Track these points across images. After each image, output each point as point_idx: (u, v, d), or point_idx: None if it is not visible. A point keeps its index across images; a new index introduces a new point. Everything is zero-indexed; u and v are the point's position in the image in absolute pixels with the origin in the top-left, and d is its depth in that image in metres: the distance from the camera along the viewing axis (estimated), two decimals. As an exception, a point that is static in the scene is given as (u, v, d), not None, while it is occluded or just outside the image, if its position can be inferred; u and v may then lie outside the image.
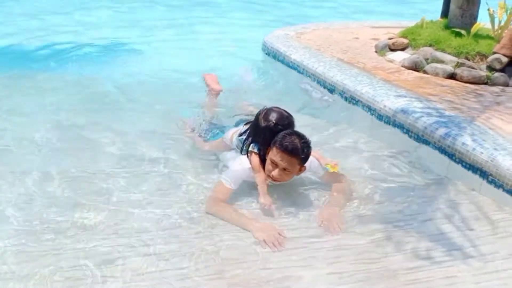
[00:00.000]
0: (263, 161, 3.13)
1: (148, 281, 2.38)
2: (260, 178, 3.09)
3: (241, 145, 3.31)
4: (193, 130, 4.01)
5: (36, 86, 5.09)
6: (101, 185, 3.24)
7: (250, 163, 3.14)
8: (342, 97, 4.77)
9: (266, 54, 6.25)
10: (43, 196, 3.08)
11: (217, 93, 4.83)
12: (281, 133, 3.01)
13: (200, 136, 3.89)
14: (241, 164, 3.16)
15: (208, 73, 5.21)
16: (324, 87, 5.02)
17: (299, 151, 2.96)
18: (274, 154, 2.99)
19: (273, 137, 3.04)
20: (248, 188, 3.20)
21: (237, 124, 3.66)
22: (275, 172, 3.01)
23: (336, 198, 3.19)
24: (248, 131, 3.30)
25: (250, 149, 3.21)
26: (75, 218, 2.86)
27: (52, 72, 5.63)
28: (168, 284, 2.37)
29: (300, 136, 3.02)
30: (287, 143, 2.94)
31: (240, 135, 3.36)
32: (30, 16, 8.43)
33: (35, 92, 4.91)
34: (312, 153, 3.23)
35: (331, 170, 3.24)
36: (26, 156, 3.59)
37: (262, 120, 3.15)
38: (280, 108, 3.24)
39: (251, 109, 4.12)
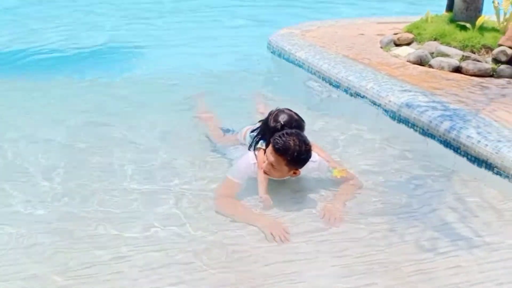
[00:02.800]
0: None
1: (156, 276, 2.43)
2: (261, 174, 3.13)
3: (251, 140, 3.37)
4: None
5: (46, 89, 5.16)
6: (109, 180, 3.32)
7: (256, 159, 3.19)
8: (347, 93, 4.79)
9: (272, 52, 6.29)
10: (52, 192, 3.17)
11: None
12: (284, 131, 3.03)
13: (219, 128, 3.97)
14: (247, 160, 3.20)
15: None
16: (330, 84, 5.05)
17: (288, 152, 2.91)
18: (268, 147, 3.03)
19: None
20: (254, 185, 3.24)
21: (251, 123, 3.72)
22: (264, 164, 3.05)
23: (341, 194, 3.22)
24: (259, 129, 3.36)
25: (258, 145, 3.26)
26: (84, 214, 2.93)
27: (62, 75, 5.68)
28: (176, 277, 2.42)
29: (300, 140, 2.95)
30: (279, 142, 2.93)
31: (252, 131, 3.43)
32: (39, 20, 8.53)
33: (45, 95, 4.98)
34: (322, 153, 3.27)
35: (335, 174, 3.24)
36: (43, 155, 3.66)
37: (272, 121, 3.19)
38: (292, 111, 3.25)
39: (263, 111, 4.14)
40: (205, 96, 4.89)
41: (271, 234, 2.77)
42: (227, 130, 3.95)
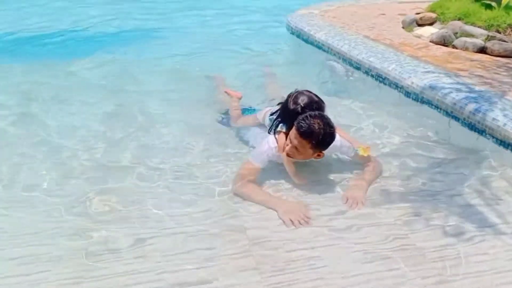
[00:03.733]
0: None
1: (178, 261, 2.42)
2: (286, 158, 3.09)
3: (271, 124, 3.33)
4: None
5: (60, 75, 5.18)
6: (127, 170, 3.31)
7: (277, 143, 3.14)
8: (368, 75, 4.70)
9: (291, 33, 6.20)
10: (68, 178, 3.19)
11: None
12: (307, 113, 2.98)
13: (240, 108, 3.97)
14: (268, 143, 3.16)
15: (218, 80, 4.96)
16: (350, 65, 4.96)
17: (313, 135, 2.87)
18: (292, 130, 2.97)
19: None
20: (275, 168, 3.21)
21: (271, 104, 3.68)
22: (287, 147, 3.00)
23: (364, 179, 3.17)
24: (278, 112, 3.30)
25: (278, 129, 3.21)
26: (104, 202, 2.93)
27: (75, 60, 5.70)
28: (196, 262, 2.41)
29: (324, 122, 2.90)
30: (304, 125, 2.88)
31: (272, 114, 3.37)
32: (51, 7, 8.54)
33: (58, 82, 4.99)
34: (344, 134, 3.21)
35: (361, 153, 3.18)
36: (58, 141, 3.71)
37: (291, 103, 3.13)
38: (311, 92, 3.19)
39: (280, 93, 4.10)
40: (224, 80, 4.89)
41: (290, 220, 2.74)
42: (246, 110, 3.91)
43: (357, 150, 3.20)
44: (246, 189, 3.01)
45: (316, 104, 3.12)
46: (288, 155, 3.04)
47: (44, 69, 5.27)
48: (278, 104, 3.39)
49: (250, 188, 3.01)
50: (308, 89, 3.24)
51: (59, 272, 2.35)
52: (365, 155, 3.18)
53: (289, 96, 3.21)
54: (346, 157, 3.32)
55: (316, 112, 2.97)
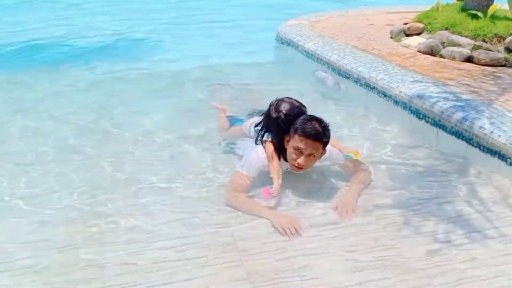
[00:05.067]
0: (278, 149, 3.15)
1: (168, 270, 2.43)
2: (273, 167, 3.11)
3: (256, 135, 3.34)
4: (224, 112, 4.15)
5: (58, 83, 5.21)
6: (118, 174, 3.35)
7: (265, 152, 3.16)
8: (357, 84, 4.75)
9: (281, 43, 6.25)
10: (63, 186, 3.20)
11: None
12: (300, 119, 3.01)
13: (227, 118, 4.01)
14: (257, 154, 3.17)
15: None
16: (339, 75, 5.00)
17: (322, 135, 2.97)
18: (297, 141, 2.98)
19: (285, 126, 3.06)
20: (265, 179, 3.22)
21: (252, 115, 3.69)
22: (301, 160, 3.01)
23: (354, 187, 3.19)
24: (262, 122, 3.32)
25: (264, 138, 3.23)
26: (95, 210, 2.94)
27: (72, 69, 5.73)
28: (187, 272, 2.42)
29: (319, 120, 3.02)
30: (309, 129, 2.94)
31: (256, 125, 3.39)
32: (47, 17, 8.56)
33: (59, 89, 5.04)
34: (331, 142, 3.24)
35: (354, 157, 3.23)
36: (60, 141, 3.79)
37: (273, 111, 3.16)
38: (291, 98, 3.24)
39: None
40: (223, 88, 4.97)
41: (282, 228, 2.76)
42: (234, 119, 3.93)
43: (348, 155, 3.24)
44: (238, 200, 3.02)
45: (297, 109, 3.15)
46: (299, 167, 3.04)
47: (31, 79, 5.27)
48: (261, 114, 3.41)
49: (241, 199, 3.03)
50: (288, 96, 3.28)
51: (46, 282, 2.34)
52: (358, 158, 3.23)
53: (270, 105, 3.24)
54: (336, 166, 3.35)
55: (306, 116, 3.05)
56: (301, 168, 3.06)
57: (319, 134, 2.96)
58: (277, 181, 3.03)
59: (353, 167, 3.31)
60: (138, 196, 3.11)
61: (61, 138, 3.89)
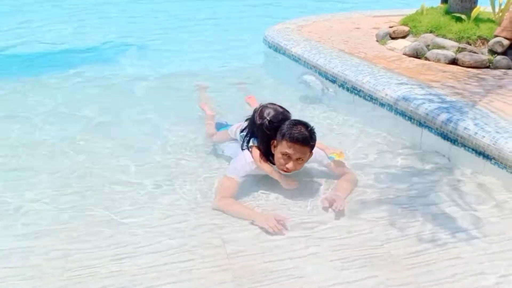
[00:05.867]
0: (264, 154, 3.17)
1: (155, 274, 2.43)
2: (267, 169, 3.15)
3: (242, 141, 3.37)
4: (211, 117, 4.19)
5: (51, 87, 5.24)
6: (108, 176, 3.36)
7: (252, 157, 3.18)
8: (344, 87, 4.78)
9: (268, 47, 6.28)
10: (54, 187, 3.21)
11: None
12: (286, 125, 3.05)
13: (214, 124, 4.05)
14: (244, 159, 3.20)
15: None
16: (326, 79, 5.04)
17: (309, 139, 3.02)
18: (285, 147, 3.02)
19: (270, 132, 3.10)
20: (253, 182, 3.25)
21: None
22: (289, 165, 3.05)
23: (341, 185, 3.22)
24: (247, 128, 3.35)
25: (250, 143, 3.26)
26: (80, 213, 2.94)
27: (63, 72, 5.75)
28: (174, 276, 2.42)
29: (305, 124, 3.07)
30: (296, 134, 2.98)
31: (242, 131, 3.42)
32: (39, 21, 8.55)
33: (48, 93, 5.05)
34: (317, 144, 3.27)
35: (336, 158, 3.27)
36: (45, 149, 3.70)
37: (258, 118, 3.20)
38: (275, 104, 3.28)
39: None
40: (208, 87, 5.07)
41: (269, 226, 2.79)
42: (221, 125, 3.95)
43: (330, 157, 3.28)
44: (225, 203, 3.03)
45: (281, 115, 3.19)
46: (287, 171, 3.09)
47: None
48: (246, 120, 3.43)
49: (229, 202, 3.04)
50: (272, 102, 3.31)
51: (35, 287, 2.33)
52: (341, 159, 3.28)
53: (254, 111, 3.27)
54: (320, 168, 3.37)
55: (291, 121, 3.11)
56: (289, 171, 3.11)
57: (306, 139, 3.01)
58: (282, 180, 3.13)
59: (337, 168, 3.34)
60: (125, 199, 3.10)
61: (47, 144, 3.88)
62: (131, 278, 2.40)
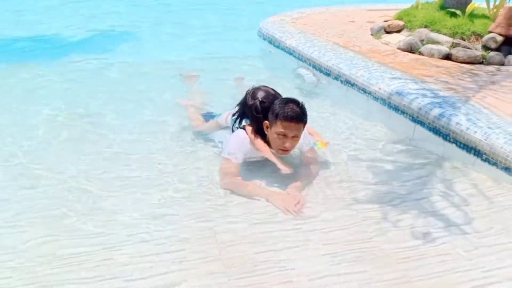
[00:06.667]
0: (257, 132, 3.21)
1: (146, 264, 2.42)
2: (262, 147, 3.17)
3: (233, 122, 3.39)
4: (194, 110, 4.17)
5: (39, 77, 5.17)
6: (98, 168, 3.34)
7: (246, 133, 3.22)
8: (337, 80, 4.78)
9: (262, 39, 6.25)
10: (42, 176, 3.21)
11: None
12: (277, 104, 3.06)
13: (200, 115, 4.03)
14: (239, 136, 3.23)
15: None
16: (320, 71, 5.03)
17: (301, 115, 3.05)
18: (280, 127, 3.03)
19: (262, 113, 3.13)
20: (245, 172, 3.24)
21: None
22: (287, 144, 3.07)
23: (302, 181, 3.17)
24: (239, 110, 3.38)
25: (243, 123, 3.31)
26: (71, 204, 2.92)
27: (53, 63, 5.67)
28: (165, 267, 2.41)
29: (295, 101, 3.08)
30: (289, 112, 3.00)
31: (233, 115, 3.44)
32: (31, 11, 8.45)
33: (37, 84, 4.99)
34: (308, 128, 3.29)
35: (319, 146, 3.34)
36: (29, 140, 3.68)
37: (250, 99, 3.25)
38: (267, 87, 3.33)
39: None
40: (198, 79, 5.06)
41: (285, 208, 2.83)
42: (210, 115, 3.94)
43: (314, 143, 3.33)
44: (233, 182, 3.08)
45: (272, 97, 3.23)
46: (285, 150, 3.10)
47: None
48: (237, 105, 3.45)
49: (238, 181, 3.08)
50: (265, 84, 3.36)
51: (23, 277, 2.32)
52: (321, 148, 3.35)
53: (247, 93, 3.33)
54: (296, 150, 3.35)
55: (281, 99, 3.13)
56: (287, 150, 3.12)
57: (299, 115, 3.04)
58: (279, 162, 3.12)
59: (308, 157, 3.36)
60: (116, 190, 3.09)
61: (34, 135, 3.83)
62: (122, 268, 2.40)
